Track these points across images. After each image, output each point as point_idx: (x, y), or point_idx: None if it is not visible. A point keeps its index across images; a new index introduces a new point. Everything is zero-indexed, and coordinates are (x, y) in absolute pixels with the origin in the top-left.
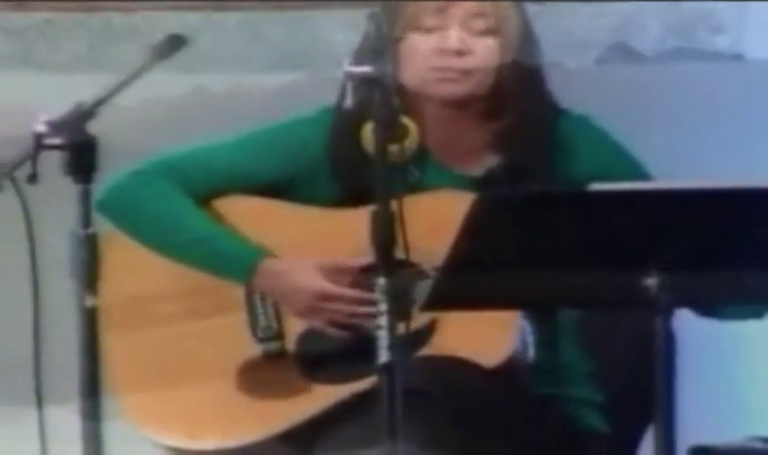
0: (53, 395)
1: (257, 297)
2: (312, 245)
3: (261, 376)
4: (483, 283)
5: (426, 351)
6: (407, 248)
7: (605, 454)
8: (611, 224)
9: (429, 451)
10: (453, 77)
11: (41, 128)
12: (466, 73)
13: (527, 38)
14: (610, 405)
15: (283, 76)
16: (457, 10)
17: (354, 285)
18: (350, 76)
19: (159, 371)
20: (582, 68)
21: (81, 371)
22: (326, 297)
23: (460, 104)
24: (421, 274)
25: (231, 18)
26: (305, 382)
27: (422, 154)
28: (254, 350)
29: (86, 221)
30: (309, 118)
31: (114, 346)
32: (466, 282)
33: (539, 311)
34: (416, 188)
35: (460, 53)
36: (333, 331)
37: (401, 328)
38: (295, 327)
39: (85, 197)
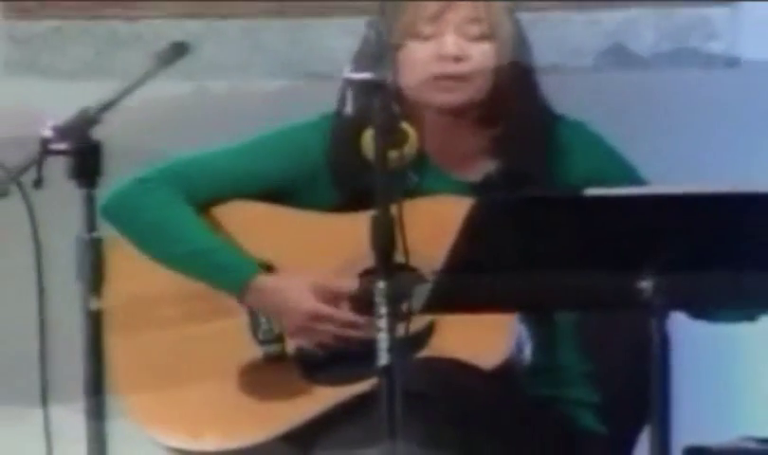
0: (58, 395)
1: None
2: (312, 250)
3: (262, 378)
4: (480, 286)
5: (424, 353)
6: (406, 252)
7: (601, 454)
8: (606, 228)
9: (429, 452)
10: (451, 85)
11: (47, 133)
12: (464, 80)
13: (521, 43)
14: (606, 406)
15: (284, 82)
16: (452, 17)
17: (350, 304)
18: (350, 82)
19: (162, 372)
20: (577, 75)
21: (85, 371)
22: (317, 318)
23: (458, 112)
24: (420, 277)
25: (233, 26)
26: (306, 384)
27: (421, 160)
28: (255, 352)
29: (91, 225)
30: (309, 124)
31: (118, 348)
32: (465, 285)
33: (537, 313)
34: (415, 193)
35: (457, 59)
36: (321, 352)
37: (400, 331)
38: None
39: (90, 202)
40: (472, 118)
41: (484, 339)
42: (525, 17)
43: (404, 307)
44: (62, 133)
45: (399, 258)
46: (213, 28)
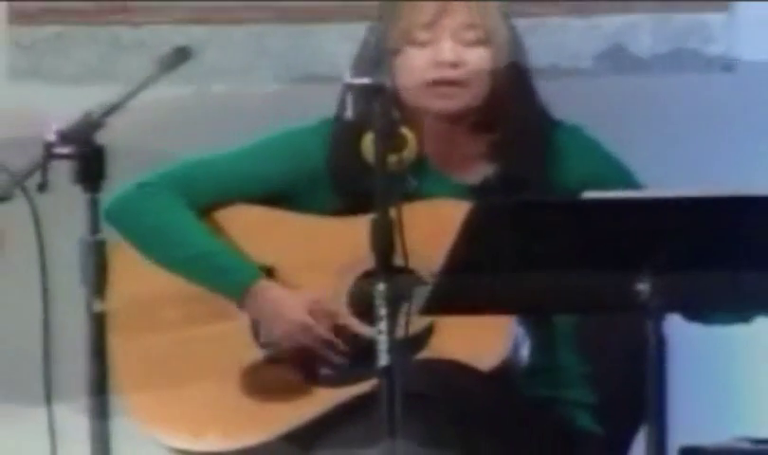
0: (62, 395)
1: None
2: (313, 253)
3: (263, 379)
4: (479, 289)
5: (424, 354)
6: (406, 255)
7: (598, 454)
8: (603, 231)
9: (428, 452)
10: (449, 91)
11: (51, 137)
12: (461, 85)
13: (516, 48)
14: (603, 406)
15: (286, 85)
16: (448, 23)
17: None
18: (350, 87)
19: (164, 373)
20: (576, 79)
21: (89, 372)
22: (306, 331)
23: (455, 118)
24: (419, 280)
25: (236, 31)
26: (307, 385)
27: (420, 163)
28: (256, 353)
29: (95, 228)
30: (309, 128)
31: (120, 349)
32: (463, 287)
33: (535, 315)
34: (414, 196)
35: (454, 65)
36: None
37: (400, 332)
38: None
39: (93, 205)
40: (470, 123)
41: (482, 341)
42: (524, 22)
43: (403, 309)
44: (65, 137)
45: (399, 260)
46: (216, 33)
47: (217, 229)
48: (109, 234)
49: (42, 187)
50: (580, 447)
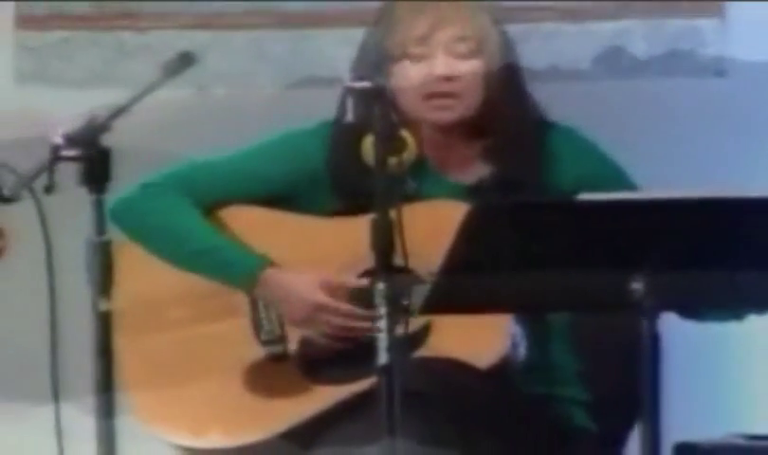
0: (68, 394)
1: (260, 302)
2: (314, 253)
3: (264, 378)
4: (477, 288)
5: (422, 352)
6: (405, 255)
7: (594, 451)
8: (598, 232)
9: (427, 449)
10: (443, 104)
11: (57, 140)
12: (456, 97)
13: (509, 53)
14: (598, 404)
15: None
16: (441, 37)
17: (350, 300)
18: (350, 90)
19: (166, 371)
20: (571, 83)
21: (95, 370)
22: (323, 308)
23: (451, 127)
24: (418, 279)
25: (238, 36)
26: (307, 383)
27: (418, 165)
28: (258, 352)
29: (101, 229)
30: (309, 131)
31: (124, 347)
32: (461, 286)
33: (531, 314)
34: (413, 197)
35: (448, 79)
36: (325, 341)
37: (399, 330)
38: (297, 330)
39: (99, 206)
40: (465, 130)
41: (479, 339)
42: (519, 28)
43: (403, 308)
44: (72, 140)
45: (398, 260)
46: (218, 38)
47: (220, 229)
48: (115, 235)
49: (48, 188)
50: (576, 444)
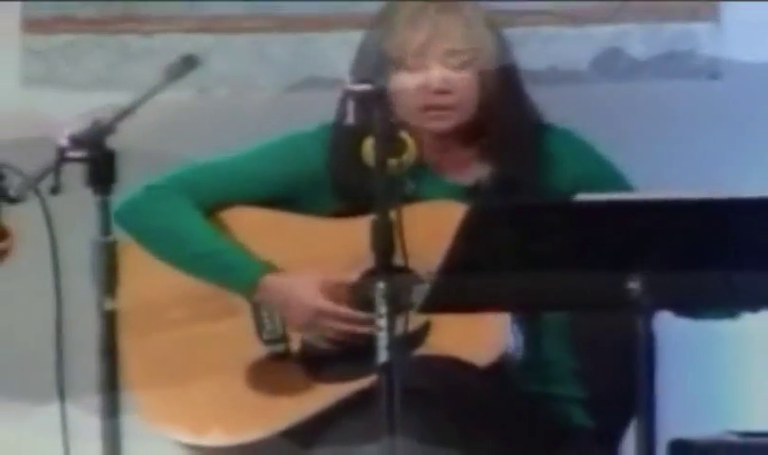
0: (74, 393)
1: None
2: (315, 253)
3: (265, 376)
4: (476, 287)
5: (422, 350)
6: (405, 255)
7: (590, 448)
8: (595, 232)
9: (427, 446)
10: (440, 115)
11: (63, 142)
12: (451, 108)
13: (505, 57)
14: (595, 401)
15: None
16: (436, 50)
17: (351, 303)
18: (350, 93)
19: (170, 370)
20: (569, 86)
21: (100, 369)
22: (323, 314)
23: (447, 135)
24: (418, 278)
25: (240, 39)
26: (308, 381)
27: (418, 166)
28: (259, 351)
29: (106, 229)
30: (309, 133)
31: (128, 347)
32: (460, 286)
33: (529, 313)
34: (412, 198)
35: (443, 92)
36: (326, 345)
37: (399, 329)
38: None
39: (104, 207)
40: (462, 134)
41: (477, 338)
42: (518, 31)
43: (402, 307)
44: (77, 141)
45: (398, 260)
46: (221, 42)
47: (221, 231)
48: (120, 235)
49: (54, 189)
50: (573, 441)
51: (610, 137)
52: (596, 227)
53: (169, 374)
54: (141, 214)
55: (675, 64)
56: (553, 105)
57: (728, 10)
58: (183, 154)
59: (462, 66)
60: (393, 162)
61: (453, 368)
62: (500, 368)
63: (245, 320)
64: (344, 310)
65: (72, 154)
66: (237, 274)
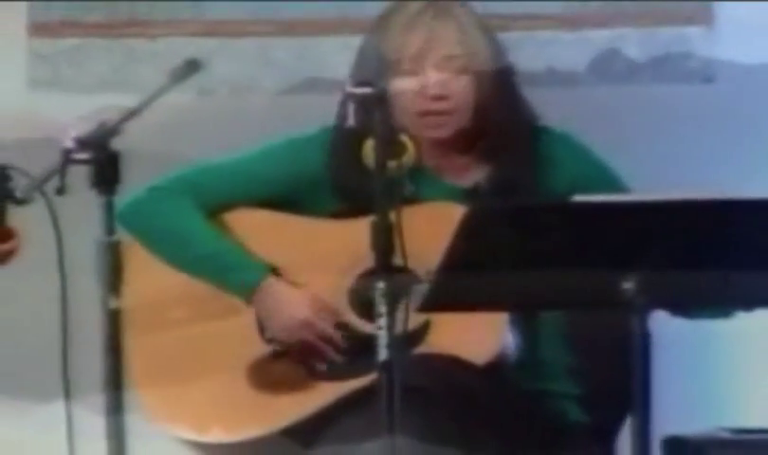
0: (79, 392)
1: None
2: (316, 254)
3: (267, 375)
4: (474, 287)
5: (421, 349)
6: (405, 255)
7: (586, 444)
8: (591, 232)
9: (426, 444)
10: (437, 121)
11: (69, 144)
12: (448, 114)
13: (500, 60)
14: (591, 398)
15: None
16: (432, 55)
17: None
18: (351, 96)
19: (173, 368)
20: (565, 89)
21: (105, 368)
22: (306, 327)
23: (446, 140)
24: (417, 278)
25: (243, 43)
26: (309, 379)
27: (417, 168)
28: (260, 350)
29: (110, 229)
30: (311, 135)
31: (132, 345)
32: (459, 285)
33: (526, 312)
34: (412, 199)
35: (440, 97)
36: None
37: (399, 328)
38: None
39: (109, 208)
40: (461, 139)
41: (476, 337)
42: (514, 35)
43: (402, 306)
44: (83, 144)
45: (398, 260)
46: (224, 45)
47: (224, 231)
48: (124, 235)
49: (60, 190)
50: (570, 437)
51: (605, 139)
52: (592, 228)
53: (171, 372)
54: (144, 215)
55: (670, 68)
56: (548, 107)
57: (722, 11)
58: (186, 155)
59: (458, 71)
60: (392, 164)
61: (452, 366)
62: (498, 366)
63: (247, 319)
64: (328, 330)
65: (77, 155)
66: (238, 275)
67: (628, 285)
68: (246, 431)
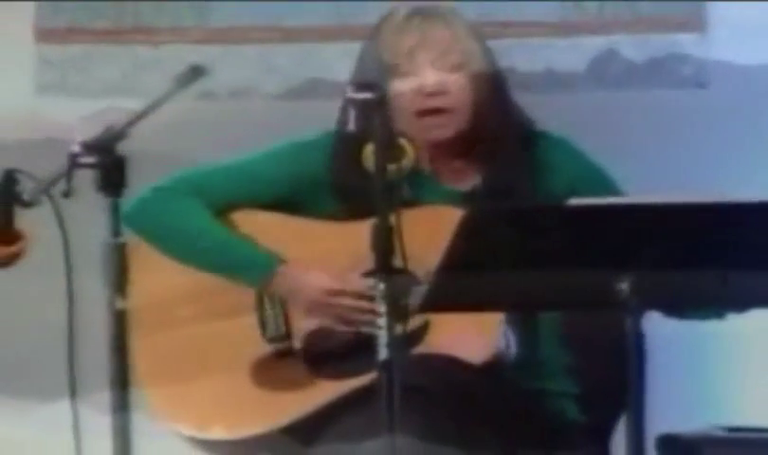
0: (85, 391)
1: (266, 301)
2: (317, 255)
3: (268, 373)
4: (472, 288)
5: (420, 348)
6: (404, 257)
7: (582, 442)
8: (587, 235)
9: (426, 443)
10: (436, 121)
11: (75, 148)
12: (447, 113)
13: (493, 66)
14: (587, 397)
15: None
16: (424, 55)
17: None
18: (351, 101)
19: (176, 367)
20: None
21: (111, 367)
22: (333, 293)
23: (445, 142)
24: (416, 280)
25: (246, 49)
26: (309, 378)
27: (416, 172)
28: (262, 349)
29: (116, 231)
30: (313, 139)
31: (137, 345)
32: (458, 286)
33: (523, 312)
34: (411, 203)
35: (437, 93)
36: (339, 327)
37: (399, 328)
38: (302, 328)
39: (115, 210)
40: (459, 143)
41: (475, 336)
42: (509, 42)
43: (402, 307)
44: (89, 148)
45: (398, 262)
46: (228, 52)
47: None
48: (129, 237)
49: (67, 193)
50: (566, 435)
51: (600, 144)
52: (588, 231)
53: (175, 371)
54: (151, 215)
55: (663, 74)
56: (544, 113)
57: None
58: (190, 158)
59: (453, 69)
60: (392, 167)
61: (451, 366)
62: (496, 365)
63: (249, 319)
64: (353, 288)
65: (84, 159)
66: (252, 265)
67: (622, 286)
68: (248, 429)
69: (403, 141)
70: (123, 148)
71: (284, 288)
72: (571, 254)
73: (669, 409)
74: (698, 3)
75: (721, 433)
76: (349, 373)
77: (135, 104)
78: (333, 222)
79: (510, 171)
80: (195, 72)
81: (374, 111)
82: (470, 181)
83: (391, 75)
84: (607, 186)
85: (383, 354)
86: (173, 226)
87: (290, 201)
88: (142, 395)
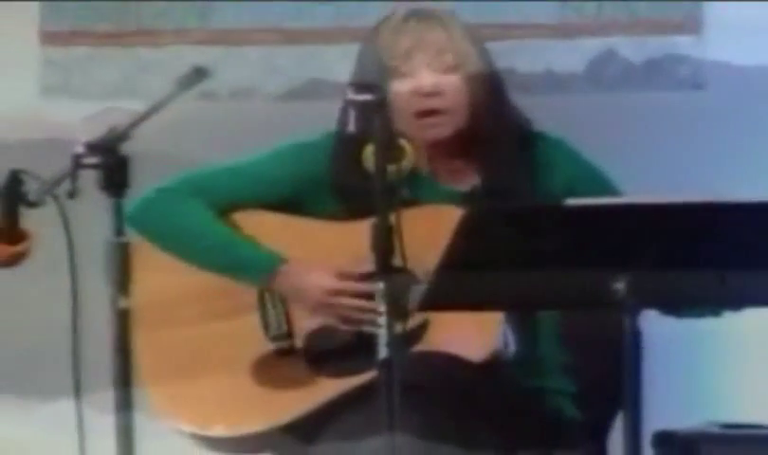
0: (89, 390)
1: (268, 300)
2: (318, 255)
3: (270, 372)
4: (471, 287)
5: (420, 347)
6: (404, 257)
7: (580, 439)
8: (584, 235)
9: (425, 440)
10: (436, 121)
11: (79, 149)
12: (444, 113)
13: (490, 68)
14: (584, 395)
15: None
16: (421, 56)
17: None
18: (351, 103)
19: (178, 366)
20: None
21: (114, 366)
22: (335, 292)
23: (443, 143)
24: (416, 279)
25: (248, 51)
26: (310, 376)
27: (415, 172)
28: (264, 349)
29: (119, 231)
30: (314, 140)
31: (140, 343)
32: (457, 285)
33: (522, 311)
34: (410, 203)
35: (434, 93)
36: (343, 326)
37: (398, 327)
38: (303, 327)
39: (118, 210)
40: (457, 143)
41: (472, 335)
42: (509, 44)
43: (401, 306)
44: (93, 149)
45: (398, 261)
46: (230, 54)
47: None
48: (132, 236)
49: (71, 193)
50: (564, 433)
51: (597, 145)
52: (585, 230)
53: (178, 369)
54: (154, 215)
55: (660, 75)
56: (542, 114)
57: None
58: (193, 159)
59: (449, 70)
60: (392, 168)
61: (451, 364)
62: (494, 364)
63: (251, 318)
64: (354, 285)
65: (87, 160)
66: (254, 264)
67: (619, 286)
68: (249, 427)
69: (403, 142)
70: (126, 148)
71: (286, 287)
72: (569, 254)
73: (666, 407)
74: (695, 4)
75: (717, 430)
76: (349, 371)
77: (137, 105)
78: (333, 222)
79: (509, 171)
80: (198, 73)
81: (373, 112)
82: (469, 181)
83: (389, 76)
84: (604, 186)
85: (383, 352)
86: (177, 226)
87: (292, 201)
88: (145, 394)
